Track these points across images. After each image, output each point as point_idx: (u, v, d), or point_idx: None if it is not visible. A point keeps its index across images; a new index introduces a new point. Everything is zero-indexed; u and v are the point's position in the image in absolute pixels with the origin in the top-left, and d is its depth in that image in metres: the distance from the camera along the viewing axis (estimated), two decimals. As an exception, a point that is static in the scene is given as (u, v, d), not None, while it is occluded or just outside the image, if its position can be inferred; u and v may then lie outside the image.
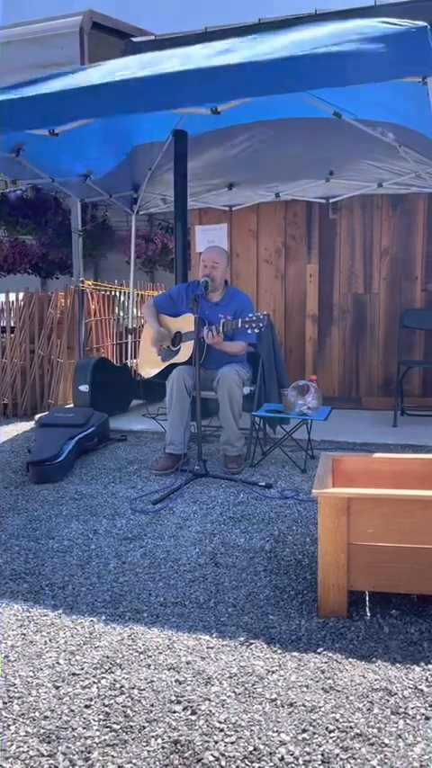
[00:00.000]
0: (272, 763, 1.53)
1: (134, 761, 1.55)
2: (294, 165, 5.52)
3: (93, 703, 1.76)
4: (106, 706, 1.75)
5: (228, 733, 1.63)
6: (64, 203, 8.55)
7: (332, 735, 1.63)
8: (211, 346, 3.97)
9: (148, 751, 1.58)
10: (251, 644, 2.06)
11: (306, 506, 3.29)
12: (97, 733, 1.64)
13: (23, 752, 1.58)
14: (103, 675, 1.90)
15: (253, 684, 1.84)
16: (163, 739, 1.62)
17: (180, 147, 5.06)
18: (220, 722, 1.67)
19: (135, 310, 6.83)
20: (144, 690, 1.82)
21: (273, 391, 4.36)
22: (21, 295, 6.25)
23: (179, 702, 1.76)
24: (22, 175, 5.01)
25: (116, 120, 4.43)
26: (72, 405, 5.29)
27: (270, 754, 1.56)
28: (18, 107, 3.46)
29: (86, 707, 1.75)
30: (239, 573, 2.58)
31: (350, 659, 1.97)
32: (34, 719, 1.70)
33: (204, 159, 5.51)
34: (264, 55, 2.98)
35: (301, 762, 1.53)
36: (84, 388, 5.03)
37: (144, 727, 1.66)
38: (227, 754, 1.56)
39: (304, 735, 1.62)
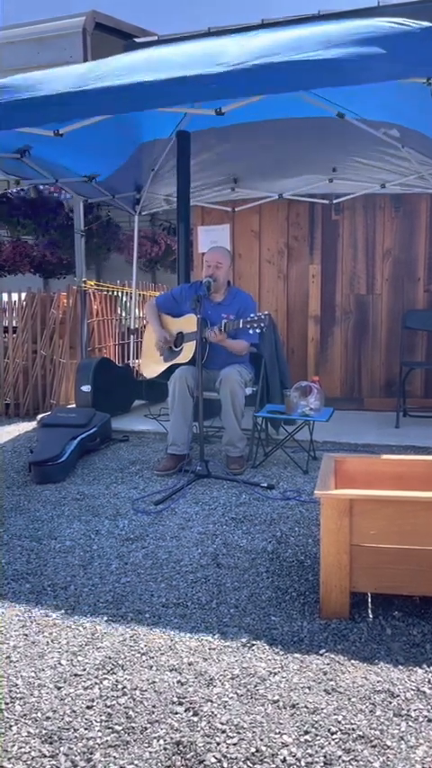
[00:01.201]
0: (274, 765, 1.53)
1: (136, 762, 1.55)
2: (297, 164, 5.52)
3: (95, 704, 1.76)
4: (108, 707, 1.75)
5: (230, 734, 1.63)
6: (66, 204, 8.56)
7: (334, 737, 1.62)
8: (214, 347, 3.97)
9: (150, 752, 1.58)
10: (253, 645, 2.06)
11: (308, 507, 3.29)
12: (99, 734, 1.64)
13: (25, 752, 1.58)
14: (105, 676, 1.89)
15: (255, 686, 1.84)
16: (165, 740, 1.62)
17: (183, 148, 5.07)
18: (222, 723, 1.67)
19: (137, 311, 6.84)
20: (146, 691, 1.82)
21: (275, 392, 4.36)
22: (23, 295, 6.26)
23: (181, 704, 1.76)
24: (26, 175, 5.02)
25: (119, 122, 4.44)
26: (74, 405, 5.29)
27: (272, 755, 1.56)
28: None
29: (88, 708, 1.75)
30: (241, 574, 2.58)
31: (352, 661, 1.96)
32: (36, 720, 1.70)
33: (207, 156, 5.52)
34: (265, 53, 2.96)
35: (303, 763, 1.53)
36: (86, 388, 5.03)
37: (146, 729, 1.66)
38: (229, 755, 1.56)
39: (306, 736, 1.62)
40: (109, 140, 4.99)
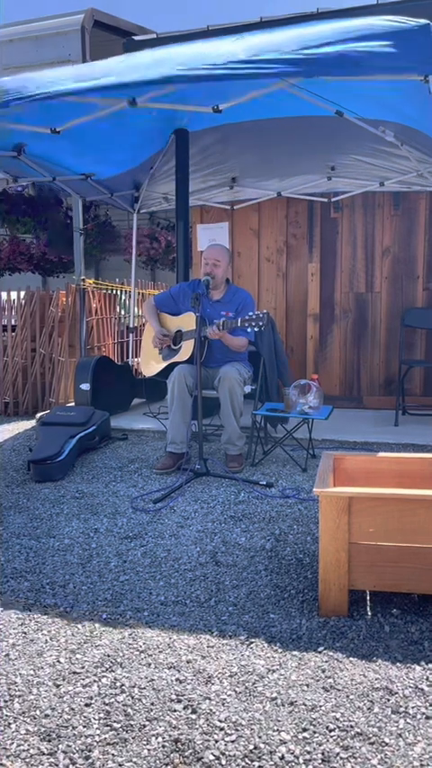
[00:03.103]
0: (272, 762, 1.53)
1: (134, 759, 1.55)
2: (296, 163, 5.52)
3: (93, 702, 1.76)
4: (107, 705, 1.75)
5: (228, 732, 1.63)
6: (66, 202, 8.54)
7: (332, 734, 1.62)
8: (213, 345, 3.97)
9: (149, 749, 1.58)
10: (252, 643, 2.06)
11: (307, 505, 3.29)
12: (98, 731, 1.65)
13: (24, 750, 1.58)
14: (104, 674, 1.90)
15: (253, 683, 1.84)
16: (163, 738, 1.62)
17: (181, 146, 5.06)
18: (220, 721, 1.67)
19: (136, 309, 6.83)
20: (144, 688, 1.82)
21: (274, 390, 4.36)
22: (22, 293, 6.26)
23: (180, 701, 1.76)
24: (24, 173, 5.02)
25: (121, 123, 4.44)
26: (73, 403, 5.29)
27: (270, 752, 1.56)
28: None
29: (87, 705, 1.75)
30: (240, 572, 2.58)
31: (351, 658, 1.96)
32: (35, 718, 1.70)
33: (206, 156, 5.51)
34: (264, 50, 2.96)
35: (301, 761, 1.53)
36: (85, 386, 5.03)
37: (144, 726, 1.66)
38: (227, 752, 1.56)
39: (305, 734, 1.62)
40: (112, 146, 5.01)
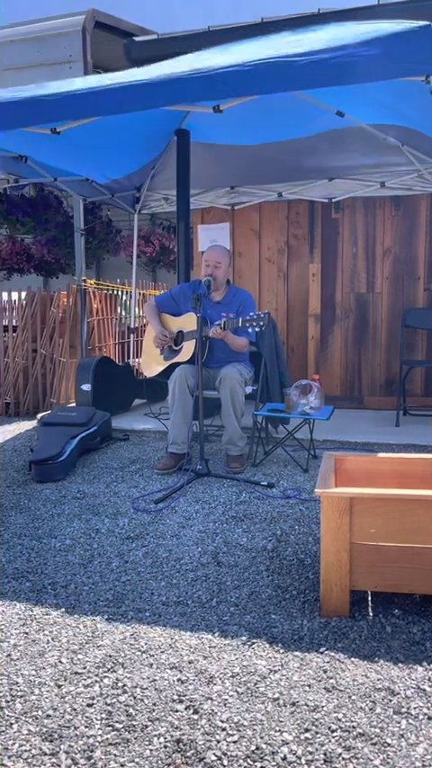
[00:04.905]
0: (274, 763, 1.53)
1: (136, 760, 1.55)
2: (296, 173, 5.54)
3: (95, 702, 1.77)
4: (108, 705, 1.75)
5: (230, 732, 1.63)
6: (66, 203, 8.54)
7: (334, 734, 1.62)
8: (214, 345, 3.97)
9: (151, 750, 1.58)
10: (253, 643, 2.06)
11: (308, 506, 3.29)
12: (99, 732, 1.65)
13: (26, 750, 1.59)
14: (106, 674, 1.90)
15: (255, 684, 1.84)
16: (165, 738, 1.62)
17: (183, 147, 5.06)
18: (222, 721, 1.67)
19: (137, 309, 6.84)
20: (146, 689, 1.82)
21: (275, 390, 4.36)
22: (23, 294, 6.26)
23: (181, 701, 1.76)
24: (25, 174, 5.03)
25: (123, 127, 4.45)
26: (74, 404, 5.29)
27: (272, 753, 1.56)
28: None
29: (89, 706, 1.75)
30: (242, 572, 2.58)
31: (352, 659, 1.96)
32: (37, 718, 1.70)
33: (206, 165, 5.53)
34: (263, 55, 2.96)
35: (303, 761, 1.53)
36: (86, 387, 5.04)
37: (146, 726, 1.67)
38: (229, 753, 1.56)
39: (307, 734, 1.62)
40: (115, 151, 5.04)
